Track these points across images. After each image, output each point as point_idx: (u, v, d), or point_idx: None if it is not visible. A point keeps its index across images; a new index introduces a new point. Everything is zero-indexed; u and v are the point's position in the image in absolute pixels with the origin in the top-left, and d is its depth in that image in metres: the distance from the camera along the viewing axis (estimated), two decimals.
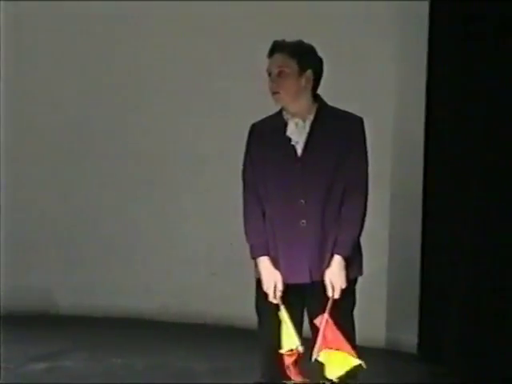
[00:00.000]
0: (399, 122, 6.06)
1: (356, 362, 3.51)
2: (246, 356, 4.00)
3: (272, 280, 3.59)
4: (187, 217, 6.77)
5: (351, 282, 3.64)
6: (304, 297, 3.64)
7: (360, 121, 3.63)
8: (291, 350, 3.54)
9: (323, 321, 3.52)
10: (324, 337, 3.50)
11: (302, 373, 3.57)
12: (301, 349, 3.54)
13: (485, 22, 5.36)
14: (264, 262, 3.62)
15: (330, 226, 3.58)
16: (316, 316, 3.58)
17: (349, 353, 3.51)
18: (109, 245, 7.01)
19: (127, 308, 6.89)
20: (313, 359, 3.53)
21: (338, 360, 3.51)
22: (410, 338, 6.03)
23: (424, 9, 5.75)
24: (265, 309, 3.67)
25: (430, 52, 5.78)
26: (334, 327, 3.52)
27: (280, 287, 3.58)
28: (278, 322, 3.59)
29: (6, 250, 7.06)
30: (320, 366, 3.56)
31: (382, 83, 6.02)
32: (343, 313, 3.63)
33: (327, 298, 3.54)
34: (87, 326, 6.75)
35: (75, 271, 7.04)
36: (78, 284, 7.02)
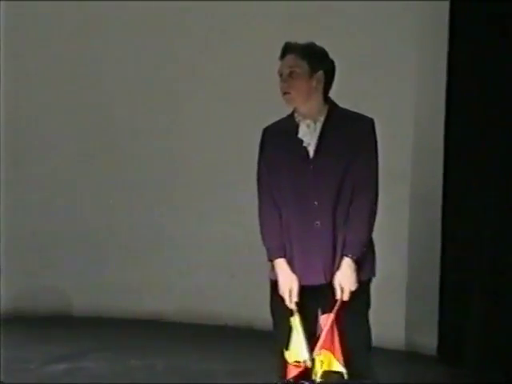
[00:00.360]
0: (419, 120, 6.04)
1: (339, 368, 3.50)
2: (265, 357, 3.97)
3: (288, 283, 3.59)
4: (207, 219, 6.78)
5: (364, 283, 3.63)
6: (319, 300, 3.64)
7: (371, 121, 3.63)
8: (298, 362, 3.53)
9: (328, 321, 3.51)
10: (325, 337, 3.50)
11: None
12: (309, 363, 3.53)
13: (505, 21, 5.36)
14: (281, 265, 3.62)
15: (341, 228, 3.58)
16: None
17: (336, 357, 3.50)
18: (128, 246, 7.03)
19: (146, 309, 6.91)
20: (310, 358, 3.53)
21: (327, 362, 3.51)
22: (429, 340, 6.00)
23: (444, 8, 5.73)
24: (280, 312, 3.66)
25: (450, 51, 5.76)
26: (335, 330, 3.51)
27: (296, 291, 3.58)
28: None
29: (24, 251, 7.10)
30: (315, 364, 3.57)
31: (402, 84, 6.02)
32: (357, 315, 3.63)
33: (336, 300, 3.53)
34: (107, 327, 6.78)
35: (95, 272, 7.06)
36: (97, 285, 7.03)
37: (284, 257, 3.62)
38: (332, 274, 3.57)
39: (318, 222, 3.57)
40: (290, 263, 3.61)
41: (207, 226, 6.76)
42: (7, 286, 7.03)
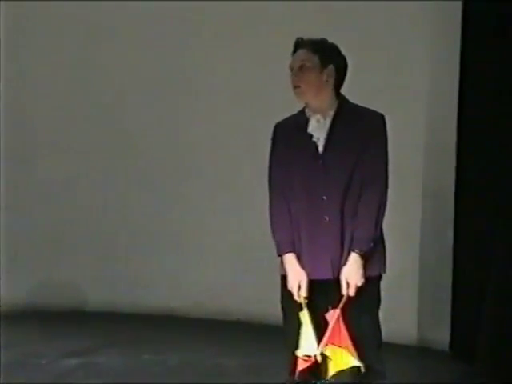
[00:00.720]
0: (432, 118, 6.05)
1: (355, 362, 3.51)
2: (277, 352, 3.98)
3: (297, 278, 3.59)
4: (220, 214, 6.80)
5: (373, 279, 3.63)
6: (328, 295, 3.64)
7: (381, 117, 3.63)
8: (308, 356, 3.54)
9: (334, 316, 3.51)
10: (332, 332, 3.50)
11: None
12: (319, 358, 3.53)
13: None
14: (290, 260, 3.62)
15: (349, 223, 3.59)
16: None
17: (350, 353, 3.50)
18: (141, 242, 7.06)
19: (159, 304, 6.94)
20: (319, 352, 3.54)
21: (337, 357, 3.51)
22: (442, 336, 6.01)
23: (457, 7, 5.73)
24: (290, 307, 3.67)
25: (462, 49, 5.77)
26: (343, 324, 3.51)
27: (304, 286, 3.58)
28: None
29: (38, 247, 7.14)
30: (324, 360, 3.57)
31: (415, 81, 6.02)
32: (366, 311, 3.64)
33: (342, 295, 3.54)
34: (119, 323, 6.82)
35: (108, 268, 7.09)
36: (110, 281, 7.06)
37: (293, 252, 3.63)
38: (340, 269, 3.58)
39: (326, 217, 3.58)
40: (299, 258, 3.62)
41: (220, 221, 6.79)
42: (21, 282, 7.09)
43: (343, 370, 3.54)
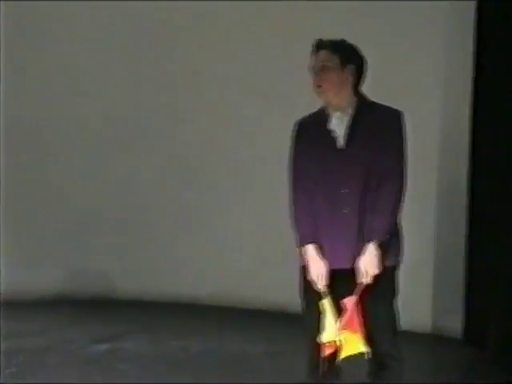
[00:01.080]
0: (447, 111, 6.05)
1: (363, 348, 3.60)
2: (298, 340, 4.02)
3: (317, 268, 3.67)
4: (243, 207, 6.84)
5: (389, 268, 3.70)
6: (347, 284, 3.69)
7: (398, 113, 3.70)
8: (330, 342, 3.63)
9: (351, 303, 3.59)
10: (348, 318, 3.58)
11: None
12: (340, 343, 3.62)
13: None
14: (311, 251, 3.69)
15: (367, 214, 3.65)
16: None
17: (361, 339, 3.59)
18: (167, 232, 7.10)
19: (184, 293, 6.98)
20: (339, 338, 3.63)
21: (349, 343, 3.59)
22: (455, 324, 6.00)
23: (471, 6, 5.74)
24: (310, 296, 3.74)
25: (477, 48, 5.76)
26: (359, 311, 3.59)
27: (325, 275, 3.66)
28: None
29: (68, 236, 7.20)
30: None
31: (430, 76, 6.02)
32: (383, 299, 3.70)
33: (360, 283, 3.61)
34: (146, 310, 6.86)
35: (135, 258, 7.13)
36: (137, 270, 7.11)
37: (314, 243, 3.70)
38: (358, 259, 3.64)
39: (346, 209, 3.65)
40: (319, 249, 3.70)
41: (243, 214, 6.84)
42: (53, 271, 7.14)
43: (351, 355, 3.63)
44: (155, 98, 7.06)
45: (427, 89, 6.01)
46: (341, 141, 3.67)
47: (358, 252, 3.65)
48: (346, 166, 3.66)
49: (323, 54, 3.67)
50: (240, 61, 6.78)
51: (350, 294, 3.65)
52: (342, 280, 3.69)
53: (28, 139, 7.09)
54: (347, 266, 3.67)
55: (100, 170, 7.11)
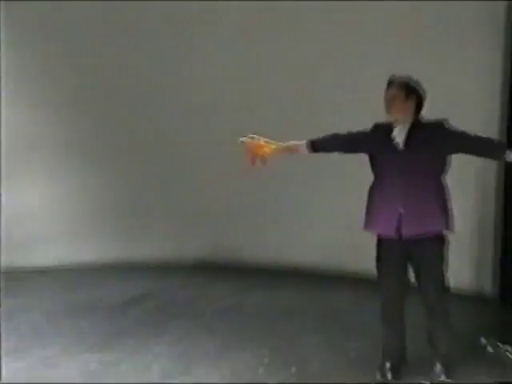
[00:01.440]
0: (484, 115, 6.47)
1: None
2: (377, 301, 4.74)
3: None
4: (334, 191, 7.33)
5: (443, 238, 4.69)
6: (409, 251, 4.68)
7: (444, 121, 4.68)
8: None
9: None
10: None
11: None
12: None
13: None
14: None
15: (424, 209, 4.63)
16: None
17: None
18: (282, 212, 7.72)
19: (288, 261, 7.65)
20: None
21: None
22: (492, 285, 6.49)
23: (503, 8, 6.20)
24: (384, 267, 4.75)
25: None
26: None
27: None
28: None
29: (207, 216, 7.88)
30: None
31: (471, 83, 6.44)
32: (437, 263, 4.66)
33: None
34: (259, 274, 7.59)
35: (256, 233, 7.78)
36: (257, 242, 7.75)
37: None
38: (413, 230, 4.61)
39: (402, 195, 4.62)
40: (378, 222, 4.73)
41: (337, 195, 7.36)
42: (192, 244, 7.85)
43: None
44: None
45: (468, 92, 6.44)
46: (400, 145, 4.72)
47: (413, 227, 4.66)
48: (403, 163, 4.67)
49: (394, 89, 4.74)
50: (334, 64, 7.17)
51: (413, 259, 4.66)
52: (406, 248, 4.68)
53: None
54: (392, 235, 4.70)
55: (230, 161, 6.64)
